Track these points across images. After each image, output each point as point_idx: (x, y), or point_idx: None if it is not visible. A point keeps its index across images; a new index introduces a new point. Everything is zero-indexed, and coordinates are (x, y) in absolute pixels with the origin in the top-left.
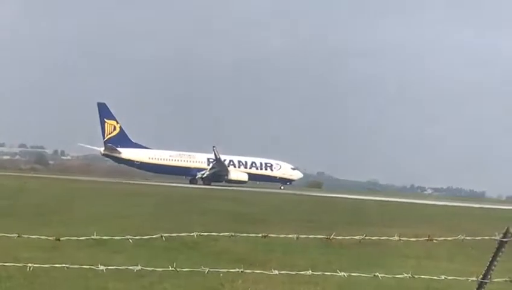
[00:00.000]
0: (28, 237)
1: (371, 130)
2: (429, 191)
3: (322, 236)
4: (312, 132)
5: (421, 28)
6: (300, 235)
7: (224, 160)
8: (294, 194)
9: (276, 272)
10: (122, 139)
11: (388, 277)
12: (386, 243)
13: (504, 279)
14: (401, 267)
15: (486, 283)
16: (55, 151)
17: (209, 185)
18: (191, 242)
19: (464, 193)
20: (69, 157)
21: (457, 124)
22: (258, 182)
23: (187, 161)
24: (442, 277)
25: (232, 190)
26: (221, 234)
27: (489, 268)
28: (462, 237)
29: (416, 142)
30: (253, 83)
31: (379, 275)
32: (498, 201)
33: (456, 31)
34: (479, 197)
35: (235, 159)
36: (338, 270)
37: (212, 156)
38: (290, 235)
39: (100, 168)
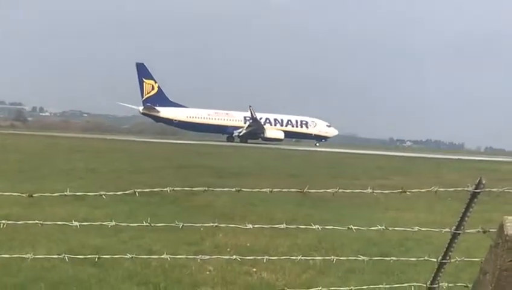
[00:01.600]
0: (2, 194)
1: (351, 84)
2: (408, 144)
3: (295, 189)
4: (292, 84)
5: None
6: (273, 189)
7: (260, 118)
8: (281, 148)
9: (250, 226)
10: (160, 98)
11: (362, 229)
12: (368, 196)
13: (477, 230)
14: (381, 219)
15: (459, 233)
16: (34, 108)
17: (246, 142)
18: (171, 196)
19: (443, 146)
20: (47, 114)
21: (435, 77)
22: (293, 140)
23: (224, 119)
24: (416, 229)
25: (240, 146)
26: (195, 188)
27: (462, 219)
28: (436, 189)
29: (394, 96)
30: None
31: (353, 228)
32: (477, 153)
33: None
34: (458, 149)
35: (271, 117)
36: (312, 224)
37: (248, 114)
38: (263, 189)
39: (79, 124)
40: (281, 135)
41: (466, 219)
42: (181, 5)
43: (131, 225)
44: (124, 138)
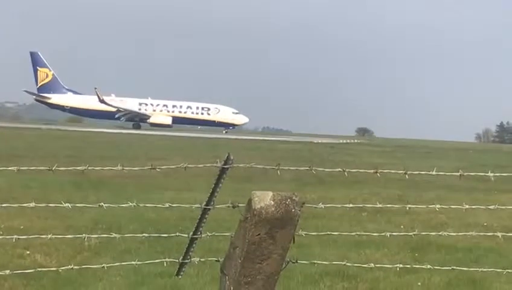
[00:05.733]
0: None
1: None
2: None
3: (43, 167)
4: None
5: None
6: (21, 168)
7: (158, 104)
8: (71, 130)
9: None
10: (54, 85)
11: (113, 206)
12: (148, 176)
13: (227, 205)
14: (159, 199)
15: (209, 209)
16: None
17: (138, 129)
18: None
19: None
20: None
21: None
22: (199, 127)
23: (117, 106)
24: (167, 205)
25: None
26: None
27: (212, 195)
28: (185, 165)
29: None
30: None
31: (103, 205)
32: (254, 132)
33: None
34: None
35: (170, 103)
36: (62, 202)
37: (144, 100)
38: (10, 168)
39: None
40: (168, 121)
41: (216, 194)
42: None
43: None
44: None
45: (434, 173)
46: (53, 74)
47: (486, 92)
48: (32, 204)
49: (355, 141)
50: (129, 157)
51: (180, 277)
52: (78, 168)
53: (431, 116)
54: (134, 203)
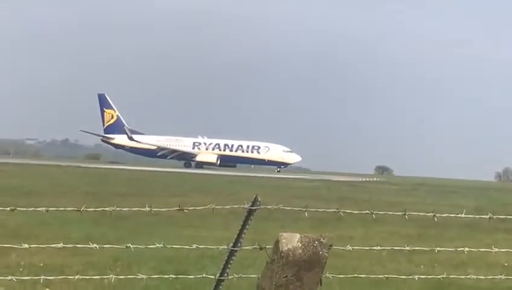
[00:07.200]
0: None
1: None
2: None
3: (71, 208)
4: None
5: None
6: (49, 208)
7: (210, 143)
8: (79, 167)
9: (26, 245)
10: (118, 126)
11: (140, 247)
12: (166, 214)
13: (254, 246)
14: (176, 236)
15: (236, 250)
16: None
17: (192, 168)
18: None
19: None
20: None
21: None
22: (252, 166)
23: (174, 145)
24: (194, 246)
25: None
26: None
27: (239, 236)
28: (212, 207)
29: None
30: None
31: (131, 246)
32: (273, 170)
33: None
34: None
35: (222, 142)
36: (90, 243)
37: (197, 140)
38: (38, 209)
39: None
40: (213, 159)
41: (243, 235)
42: None
43: None
44: None
45: (463, 215)
46: (117, 115)
47: (506, 130)
48: (60, 244)
49: (375, 179)
50: (148, 194)
51: None
52: (107, 209)
53: (450, 154)
54: (161, 245)
